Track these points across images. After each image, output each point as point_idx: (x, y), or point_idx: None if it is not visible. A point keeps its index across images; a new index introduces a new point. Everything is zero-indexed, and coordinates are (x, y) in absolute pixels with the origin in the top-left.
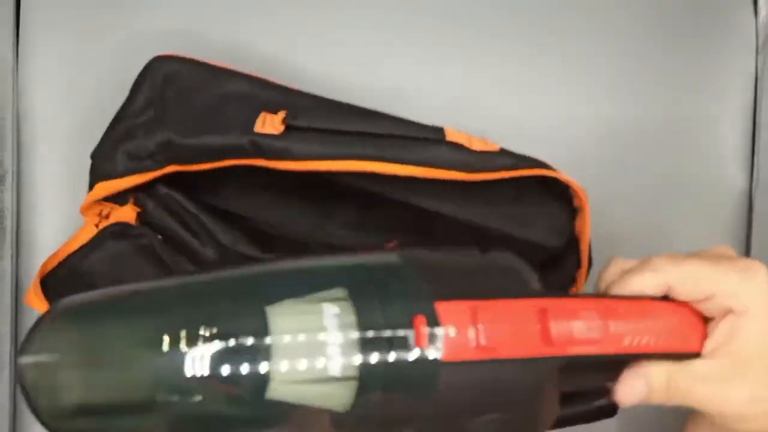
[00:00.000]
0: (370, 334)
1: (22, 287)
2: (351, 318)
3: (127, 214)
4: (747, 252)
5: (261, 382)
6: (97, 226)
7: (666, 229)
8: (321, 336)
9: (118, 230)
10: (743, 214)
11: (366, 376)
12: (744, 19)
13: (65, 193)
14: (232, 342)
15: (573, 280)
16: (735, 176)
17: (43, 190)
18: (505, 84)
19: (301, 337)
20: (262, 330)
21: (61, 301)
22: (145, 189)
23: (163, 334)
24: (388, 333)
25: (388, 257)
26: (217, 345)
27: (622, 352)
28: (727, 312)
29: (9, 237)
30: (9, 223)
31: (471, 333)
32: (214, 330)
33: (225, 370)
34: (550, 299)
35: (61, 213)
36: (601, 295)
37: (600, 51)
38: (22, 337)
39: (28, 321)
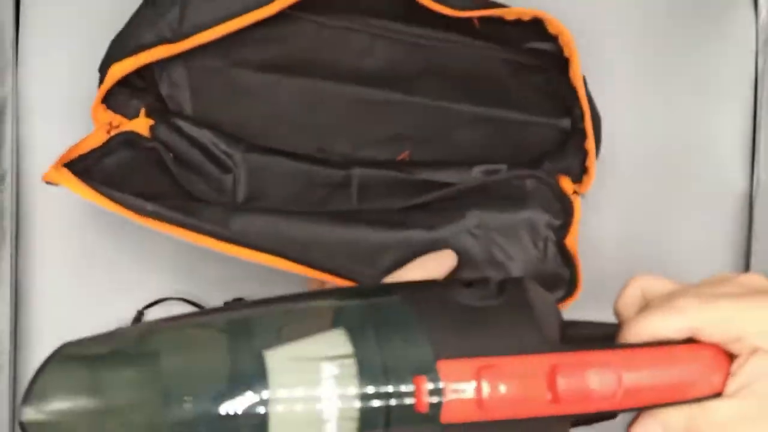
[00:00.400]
0: (371, 394)
1: (21, 288)
2: (352, 377)
3: (139, 125)
4: (747, 252)
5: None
6: (108, 132)
7: (666, 229)
8: (318, 398)
9: (131, 139)
10: (744, 214)
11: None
12: (744, 19)
13: (65, 194)
14: (233, 393)
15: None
16: (735, 177)
17: (43, 191)
18: None
19: (299, 396)
20: (261, 383)
21: (64, 347)
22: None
23: (165, 385)
24: (388, 394)
25: (394, 303)
26: (217, 395)
27: (637, 406)
28: (755, 350)
29: (8, 237)
30: (8, 223)
31: (473, 393)
32: (215, 380)
33: (226, 419)
34: (563, 353)
35: (60, 213)
36: (620, 345)
37: (599, 51)
38: (21, 337)
39: (28, 321)
